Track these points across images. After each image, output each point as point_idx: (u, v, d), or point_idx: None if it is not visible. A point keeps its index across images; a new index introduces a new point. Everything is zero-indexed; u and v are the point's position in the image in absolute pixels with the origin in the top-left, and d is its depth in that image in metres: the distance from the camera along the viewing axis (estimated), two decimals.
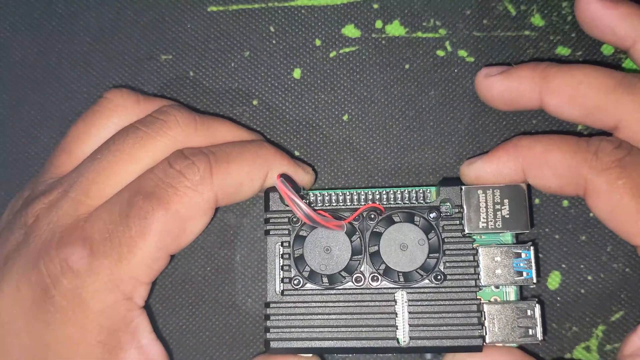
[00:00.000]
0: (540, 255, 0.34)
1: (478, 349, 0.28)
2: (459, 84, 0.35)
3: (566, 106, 0.29)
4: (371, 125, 0.35)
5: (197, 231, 0.29)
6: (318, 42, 0.35)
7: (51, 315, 0.28)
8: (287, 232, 0.30)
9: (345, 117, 0.35)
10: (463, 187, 0.29)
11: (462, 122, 0.34)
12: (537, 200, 0.34)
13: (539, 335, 0.28)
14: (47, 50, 0.36)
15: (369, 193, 0.30)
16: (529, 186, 0.30)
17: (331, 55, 0.35)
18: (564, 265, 0.34)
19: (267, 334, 0.29)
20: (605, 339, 0.33)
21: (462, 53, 0.35)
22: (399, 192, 0.30)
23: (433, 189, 0.30)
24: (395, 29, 0.35)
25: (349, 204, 0.30)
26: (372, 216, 0.30)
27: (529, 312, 0.28)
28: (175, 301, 0.35)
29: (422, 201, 0.30)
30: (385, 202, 0.30)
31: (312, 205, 0.30)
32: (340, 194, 0.30)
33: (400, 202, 0.30)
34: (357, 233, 0.30)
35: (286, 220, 0.30)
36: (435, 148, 0.35)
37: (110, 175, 0.29)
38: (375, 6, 0.35)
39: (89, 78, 0.36)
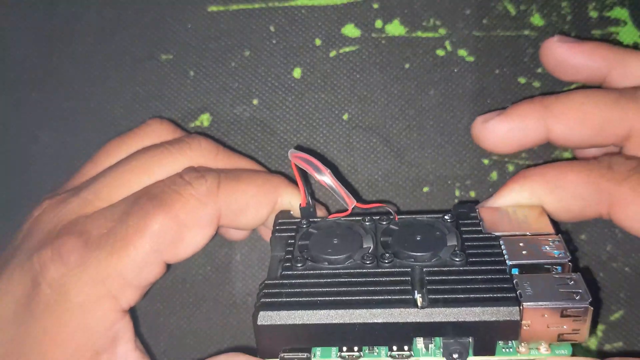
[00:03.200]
0: None
1: (514, 318, 0.23)
2: (459, 83, 0.35)
3: (575, 129, 0.28)
4: (371, 124, 0.35)
5: (196, 243, 0.28)
6: (318, 42, 0.35)
7: (36, 304, 0.27)
8: (293, 233, 0.28)
9: (345, 117, 0.35)
10: (477, 207, 0.28)
11: (462, 122, 0.35)
12: None
13: (588, 298, 0.23)
14: (48, 50, 0.36)
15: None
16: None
17: (331, 55, 0.35)
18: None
19: (255, 310, 0.24)
20: (605, 339, 0.33)
21: (462, 52, 0.35)
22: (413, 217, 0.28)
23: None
24: (395, 28, 0.35)
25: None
26: (384, 220, 0.28)
27: (571, 282, 0.24)
28: (175, 300, 0.35)
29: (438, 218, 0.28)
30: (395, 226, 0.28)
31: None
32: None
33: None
34: (368, 232, 0.27)
35: (294, 226, 0.28)
36: (435, 148, 0.35)
37: (123, 181, 0.29)
38: (375, 6, 0.35)
39: (90, 78, 0.36)
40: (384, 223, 0.28)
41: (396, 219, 0.28)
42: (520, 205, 0.28)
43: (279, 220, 0.29)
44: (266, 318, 0.24)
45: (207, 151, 0.31)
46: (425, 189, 0.34)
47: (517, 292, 0.23)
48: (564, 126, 0.28)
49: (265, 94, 0.35)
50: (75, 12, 0.36)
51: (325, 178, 0.27)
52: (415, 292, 0.25)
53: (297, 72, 0.35)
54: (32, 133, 0.36)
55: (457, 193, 0.34)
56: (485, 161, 0.34)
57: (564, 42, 0.30)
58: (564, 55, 0.30)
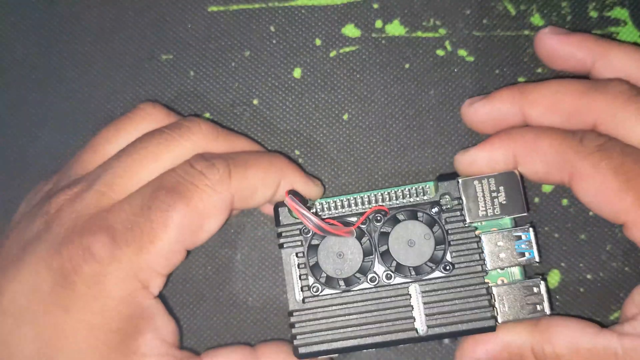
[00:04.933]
0: None
1: (492, 329, 0.30)
2: (458, 83, 0.35)
3: (546, 114, 0.31)
4: (371, 124, 0.35)
5: (213, 229, 0.30)
6: (318, 42, 0.35)
7: (71, 301, 0.28)
8: (300, 243, 0.31)
9: (345, 117, 0.35)
10: (460, 180, 0.31)
11: (461, 122, 0.35)
12: (536, 199, 0.34)
13: (547, 310, 0.30)
14: (48, 50, 0.36)
15: (372, 195, 0.31)
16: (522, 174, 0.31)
17: (331, 55, 0.35)
18: (563, 264, 0.34)
19: (295, 341, 0.30)
20: None
21: (462, 52, 0.35)
22: (399, 190, 0.31)
23: (431, 183, 0.31)
24: (395, 28, 0.35)
25: (354, 208, 0.31)
26: (378, 218, 0.31)
27: (535, 290, 0.30)
28: (176, 300, 0.35)
29: (422, 197, 0.31)
30: (388, 202, 0.31)
31: (320, 214, 0.31)
32: (345, 200, 0.31)
33: (402, 199, 0.31)
34: (366, 235, 0.31)
35: (297, 232, 0.31)
36: (435, 147, 0.35)
37: (134, 171, 0.30)
38: (375, 6, 0.35)
39: (90, 78, 0.36)
40: (378, 224, 0.31)
41: (387, 211, 0.31)
42: (495, 172, 0.31)
43: (281, 231, 0.31)
44: (304, 350, 0.30)
45: (208, 134, 0.32)
46: None
47: (495, 309, 0.30)
48: (537, 112, 0.31)
49: (265, 94, 0.35)
50: (75, 12, 0.36)
51: (317, 226, 0.30)
52: (414, 320, 0.30)
53: (297, 72, 0.35)
54: (32, 133, 0.36)
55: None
56: None
57: (554, 34, 0.32)
58: (554, 46, 0.32)
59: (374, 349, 0.33)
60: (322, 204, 0.31)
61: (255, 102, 0.35)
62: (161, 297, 0.32)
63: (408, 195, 0.31)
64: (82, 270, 0.28)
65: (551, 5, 0.35)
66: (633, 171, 0.28)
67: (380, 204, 0.31)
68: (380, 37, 0.35)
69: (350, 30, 0.35)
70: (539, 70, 0.35)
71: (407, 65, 0.35)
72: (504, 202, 0.30)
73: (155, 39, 0.36)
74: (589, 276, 0.34)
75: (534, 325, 0.30)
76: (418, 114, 0.35)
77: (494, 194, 0.30)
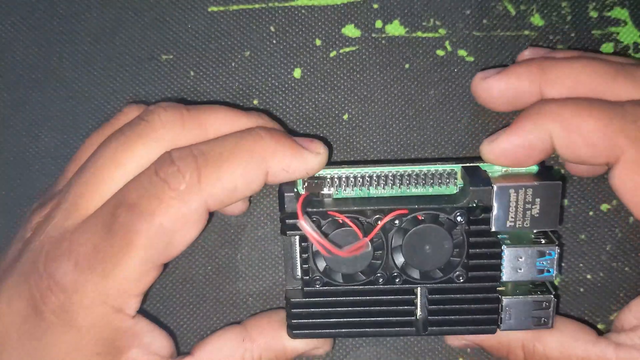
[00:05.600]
0: None
1: (491, 333, 0.29)
2: (458, 83, 0.35)
3: (566, 96, 0.28)
4: (371, 124, 0.35)
5: (187, 241, 0.27)
6: (318, 42, 0.35)
7: (43, 331, 0.27)
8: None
9: (345, 117, 0.35)
10: (495, 187, 0.28)
11: (461, 122, 0.35)
12: None
13: (550, 324, 0.29)
14: (48, 50, 0.36)
15: (390, 174, 0.29)
16: (564, 183, 0.29)
17: (331, 55, 0.35)
18: (563, 264, 0.34)
19: (289, 320, 0.29)
20: None
21: (462, 53, 0.35)
22: (422, 172, 0.29)
23: (457, 168, 0.29)
24: (395, 28, 0.35)
25: (368, 189, 0.29)
26: (396, 220, 0.28)
27: (544, 305, 0.29)
28: (176, 300, 0.35)
29: (446, 186, 0.29)
30: (406, 186, 0.29)
31: (329, 206, 0.29)
32: (359, 177, 0.29)
33: (423, 184, 0.29)
34: (379, 233, 0.29)
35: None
36: (435, 147, 0.35)
37: (96, 183, 0.28)
38: (375, 6, 0.35)
39: (90, 78, 0.36)
40: (396, 223, 0.28)
41: (406, 212, 0.28)
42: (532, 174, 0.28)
43: (284, 217, 0.29)
44: (299, 334, 0.30)
45: (171, 124, 0.28)
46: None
47: (500, 318, 0.29)
48: (556, 92, 0.28)
49: (265, 94, 0.35)
50: (75, 12, 0.36)
51: (332, 253, 0.28)
52: (417, 317, 0.30)
53: (297, 72, 0.35)
54: (32, 133, 0.36)
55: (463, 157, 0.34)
56: None
57: (486, 77, 0.29)
58: (493, 88, 0.29)
59: (368, 339, 0.34)
60: (332, 178, 0.29)
61: (255, 102, 0.35)
62: (161, 299, 0.33)
63: (431, 181, 0.29)
64: (49, 300, 0.27)
65: (551, 5, 0.35)
66: None
67: (397, 186, 0.28)
68: (380, 37, 0.35)
69: (350, 30, 0.35)
70: None
71: (407, 65, 0.35)
72: (537, 214, 0.28)
73: (155, 39, 0.36)
74: (589, 276, 0.34)
75: (589, 332, 0.29)
76: (418, 114, 0.35)
77: (528, 205, 0.28)
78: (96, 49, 0.36)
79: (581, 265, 0.34)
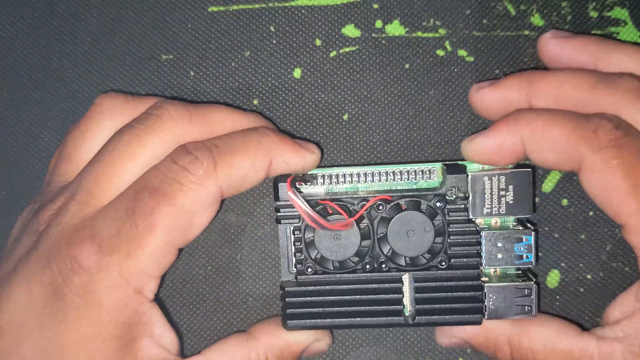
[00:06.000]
0: (540, 254, 0.34)
1: (477, 323, 0.30)
2: (458, 83, 0.35)
3: (553, 105, 0.30)
4: (371, 124, 0.35)
5: (204, 224, 0.29)
6: (318, 42, 0.35)
7: (64, 313, 0.28)
8: (297, 220, 0.31)
9: (345, 117, 0.35)
10: (470, 175, 0.30)
11: (461, 122, 0.35)
12: (536, 199, 0.34)
13: (534, 312, 0.30)
14: (48, 50, 0.36)
15: (376, 172, 0.31)
16: (533, 171, 0.31)
17: (331, 55, 0.35)
18: (563, 264, 0.34)
19: (284, 312, 0.31)
20: None
21: (462, 53, 0.35)
22: (405, 170, 0.31)
23: (438, 166, 0.31)
24: (395, 28, 0.35)
25: (357, 184, 0.31)
26: (380, 206, 0.31)
27: (526, 292, 0.30)
28: (176, 300, 0.35)
29: (427, 180, 0.31)
30: (391, 181, 0.31)
31: (320, 196, 0.31)
32: (348, 174, 0.31)
33: (406, 180, 0.31)
34: (365, 220, 0.31)
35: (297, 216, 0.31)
36: (435, 147, 0.35)
37: (112, 174, 0.29)
38: (375, 6, 0.35)
39: (90, 78, 0.36)
40: (380, 212, 0.31)
41: (390, 199, 0.31)
42: (507, 167, 0.30)
43: (279, 205, 0.31)
44: (293, 325, 0.31)
45: (180, 118, 0.30)
46: None
47: (484, 306, 0.30)
48: (544, 102, 0.30)
49: (265, 94, 0.35)
50: (75, 12, 0.36)
51: (316, 222, 0.30)
52: (405, 305, 0.31)
53: (297, 72, 0.35)
54: (32, 133, 0.36)
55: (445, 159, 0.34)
56: None
57: (556, 37, 0.32)
58: (555, 50, 0.32)
59: (360, 329, 0.34)
60: (324, 176, 0.31)
61: (255, 102, 0.35)
62: (161, 301, 0.33)
63: (413, 177, 0.31)
64: (72, 282, 0.28)
65: (551, 5, 0.35)
66: None
67: (384, 181, 0.31)
68: (380, 37, 0.35)
69: (350, 30, 0.35)
70: None
71: (407, 65, 0.35)
72: (511, 201, 0.30)
73: (155, 39, 0.36)
74: (589, 276, 0.34)
75: (567, 326, 0.30)
76: (418, 114, 0.35)
77: (502, 192, 0.30)
78: (96, 49, 0.36)
79: (581, 265, 0.34)
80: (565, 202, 0.34)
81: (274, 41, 0.35)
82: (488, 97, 0.31)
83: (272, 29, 0.35)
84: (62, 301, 0.28)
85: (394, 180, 0.31)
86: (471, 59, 0.35)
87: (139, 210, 0.28)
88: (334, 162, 0.35)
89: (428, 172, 0.31)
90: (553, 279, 0.34)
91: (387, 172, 0.31)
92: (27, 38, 0.36)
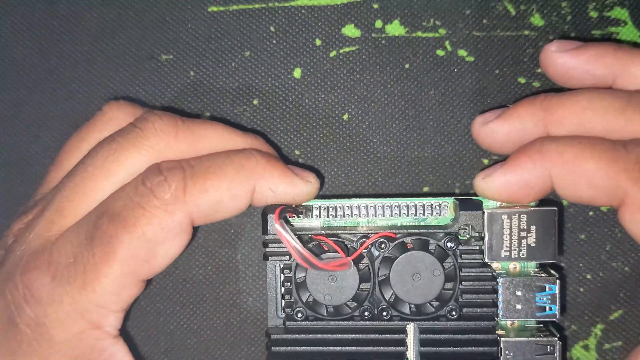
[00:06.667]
0: None
1: None
2: (458, 83, 0.35)
3: (573, 134, 0.27)
4: (371, 124, 0.35)
5: (171, 254, 0.27)
6: (318, 42, 0.35)
7: (17, 344, 0.26)
8: (287, 257, 0.28)
9: (345, 117, 0.35)
10: (486, 212, 0.27)
11: (461, 122, 0.35)
12: None
13: None
14: (48, 50, 0.36)
15: (379, 205, 0.28)
16: (560, 210, 0.27)
17: (331, 55, 0.35)
18: (563, 264, 0.34)
19: None
20: (604, 338, 0.33)
21: (462, 53, 0.35)
22: (412, 205, 0.28)
23: (450, 201, 0.28)
24: (395, 28, 0.35)
25: (356, 218, 0.28)
26: (382, 245, 0.27)
27: (549, 349, 0.27)
28: (176, 300, 0.35)
29: (437, 216, 0.27)
30: (396, 216, 0.27)
31: (315, 233, 0.27)
32: (347, 206, 0.28)
33: (413, 217, 0.27)
34: (364, 260, 0.28)
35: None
36: (435, 147, 0.35)
37: (83, 192, 0.27)
38: (375, 6, 0.35)
39: (90, 78, 0.36)
40: (382, 249, 0.27)
41: (394, 236, 0.27)
42: (529, 206, 0.27)
43: (267, 240, 0.28)
44: None
45: (164, 133, 0.27)
46: (425, 189, 0.34)
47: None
48: (563, 131, 0.27)
49: (265, 94, 0.35)
50: (75, 12, 0.36)
51: (306, 261, 0.26)
52: (409, 358, 0.27)
53: (297, 72, 0.35)
54: (32, 133, 0.36)
55: (457, 192, 0.34)
56: (485, 161, 0.34)
57: (564, 50, 0.28)
58: (566, 65, 0.28)
59: None
60: (320, 207, 0.28)
61: (255, 102, 0.35)
62: (161, 299, 0.33)
63: (422, 212, 0.27)
64: (24, 312, 0.26)
65: (551, 5, 0.35)
66: None
67: (388, 216, 0.27)
68: (380, 37, 0.35)
69: (350, 30, 0.35)
70: (539, 70, 0.34)
71: (407, 65, 0.35)
72: (533, 244, 0.26)
73: (155, 39, 0.36)
74: (589, 276, 0.34)
75: None
76: (418, 114, 0.35)
77: (523, 233, 0.26)
78: (96, 49, 0.36)
79: (581, 265, 0.34)
80: (564, 202, 0.34)
81: (274, 41, 0.35)
82: (499, 132, 0.27)
83: (272, 29, 0.35)
84: (14, 331, 0.26)
85: (399, 215, 0.28)
86: (471, 59, 0.35)
87: (98, 237, 0.26)
88: (333, 162, 0.35)
89: (438, 207, 0.27)
90: None
91: (391, 205, 0.27)
92: (27, 38, 0.36)
